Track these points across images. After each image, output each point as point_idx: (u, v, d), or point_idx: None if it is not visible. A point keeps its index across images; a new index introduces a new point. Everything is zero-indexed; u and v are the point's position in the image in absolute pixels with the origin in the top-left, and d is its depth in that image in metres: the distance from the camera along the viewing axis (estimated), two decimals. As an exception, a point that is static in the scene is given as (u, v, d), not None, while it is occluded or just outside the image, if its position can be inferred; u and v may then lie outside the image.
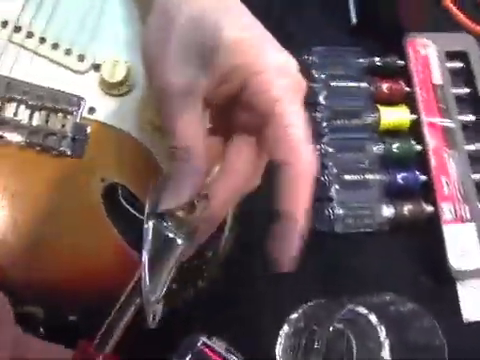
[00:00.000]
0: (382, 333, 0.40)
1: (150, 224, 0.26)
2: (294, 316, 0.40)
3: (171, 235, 0.26)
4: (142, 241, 0.25)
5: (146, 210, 0.26)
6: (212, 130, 0.29)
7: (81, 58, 0.36)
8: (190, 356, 0.39)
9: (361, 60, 0.44)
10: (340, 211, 0.40)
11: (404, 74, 0.44)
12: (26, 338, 0.31)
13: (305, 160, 0.25)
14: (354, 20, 0.45)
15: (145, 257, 0.25)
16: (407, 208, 0.40)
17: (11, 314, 0.30)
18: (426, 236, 0.42)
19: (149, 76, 0.27)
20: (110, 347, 0.25)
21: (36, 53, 0.37)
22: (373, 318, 0.40)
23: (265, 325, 0.40)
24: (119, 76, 0.35)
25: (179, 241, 0.26)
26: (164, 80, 0.25)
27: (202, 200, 0.27)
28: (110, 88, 0.36)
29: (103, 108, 0.36)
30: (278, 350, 0.39)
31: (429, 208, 0.41)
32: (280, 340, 0.39)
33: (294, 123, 0.25)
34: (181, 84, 0.25)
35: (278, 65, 0.25)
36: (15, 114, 0.36)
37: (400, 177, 0.41)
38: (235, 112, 0.27)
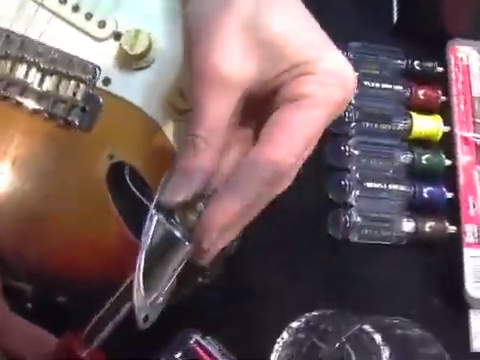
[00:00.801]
0: (385, 353, 0.38)
1: (156, 218, 0.23)
2: (295, 324, 0.37)
3: (178, 234, 0.23)
4: (141, 234, 0.23)
5: (154, 201, 0.24)
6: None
7: (102, 24, 0.34)
8: (180, 353, 0.37)
9: (398, 61, 0.41)
10: (357, 219, 0.37)
11: (442, 82, 0.41)
12: (10, 315, 0.29)
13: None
14: (395, 19, 0.42)
15: (142, 255, 0.22)
16: (429, 225, 0.38)
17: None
18: (444, 257, 0.39)
19: (191, 52, 0.25)
20: (97, 343, 0.23)
21: (55, 14, 0.34)
22: (378, 337, 0.37)
23: (264, 329, 0.38)
24: (140, 48, 0.32)
25: (186, 243, 0.23)
26: (210, 63, 0.24)
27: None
28: (129, 60, 0.33)
29: (119, 81, 0.34)
30: (273, 357, 0.37)
31: (452, 228, 0.38)
32: (277, 347, 0.37)
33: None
34: (227, 72, 0.23)
35: (333, 72, 0.24)
36: (26, 75, 0.33)
37: (426, 191, 0.38)
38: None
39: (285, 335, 0.38)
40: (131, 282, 0.23)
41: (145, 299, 0.23)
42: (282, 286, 0.38)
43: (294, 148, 0.24)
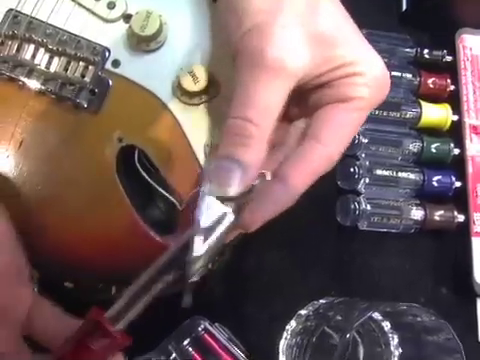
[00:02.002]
0: (393, 342, 0.38)
1: (206, 197, 0.23)
2: (304, 312, 0.37)
3: (223, 210, 0.23)
4: (194, 212, 0.23)
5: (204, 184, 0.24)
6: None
7: (111, 5, 0.33)
8: (188, 340, 0.37)
9: (407, 50, 0.41)
10: (367, 207, 0.37)
11: (451, 71, 0.41)
12: (40, 299, 0.28)
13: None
14: (405, 6, 0.42)
15: (198, 229, 0.22)
16: (438, 213, 0.38)
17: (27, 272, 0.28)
18: (453, 245, 0.39)
19: (238, 39, 0.24)
20: (124, 324, 0.22)
21: (64, -6, 0.34)
22: (386, 325, 0.37)
23: (272, 316, 0.38)
24: (151, 29, 0.32)
25: (231, 216, 0.24)
26: (266, 51, 0.23)
27: (260, 179, 0.25)
28: (139, 42, 0.33)
29: (129, 63, 0.33)
30: (282, 345, 0.37)
31: (460, 216, 0.38)
32: (286, 335, 0.37)
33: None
34: (284, 61, 0.24)
35: (379, 77, 0.25)
36: (33, 57, 0.33)
37: (435, 179, 0.38)
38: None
39: (294, 323, 0.38)
40: (171, 258, 0.23)
41: (193, 270, 0.23)
42: (290, 273, 0.38)
43: (342, 146, 0.25)
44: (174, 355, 0.35)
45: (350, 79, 0.25)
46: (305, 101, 0.27)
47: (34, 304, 0.27)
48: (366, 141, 0.37)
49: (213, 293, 0.37)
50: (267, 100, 0.24)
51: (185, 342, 0.36)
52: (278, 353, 0.37)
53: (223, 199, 0.23)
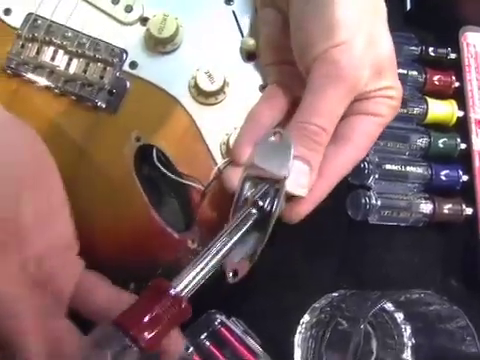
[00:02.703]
0: (406, 333, 0.39)
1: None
2: (317, 305, 0.38)
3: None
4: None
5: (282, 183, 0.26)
6: None
7: (129, 9, 0.34)
8: (205, 334, 0.38)
9: (413, 48, 0.42)
10: (377, 201, 0.38)
11: (455, 68, 0.42)
12: (88, 273, 0.29)
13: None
14: (409, 6, 0.43)
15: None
16: (447, 207, 0.39)
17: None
18: (461, 238, 0.40)
19: (326, 51, 0.27)
20: (187, 292, 0.23)
21: (82, -2, 0.35)
22: (399, 316, 0.38)
23: (285, 310, 0.38)
24: (168, 32, 0.33)
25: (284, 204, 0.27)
26: (350, 69, 0.27)
27: None
28: (156, 44, 0.34)
29: (146, 64, 0.34)
30: (297, 339, 0.38)
31: (468, 210, 0.39)
32: (300, 328, 0.38)
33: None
34: (356, 77, 0.27)
35: (399, 101, 0.30)
36: (52, 59, 0.34)
37: (443, 173, 0.39)
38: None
39: (308, 316, 0.38)
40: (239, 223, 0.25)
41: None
42: (302, 267, 0.39)
43: (365, 151, 0.30)
44: (191, 349, 0.36)
45: (385, 100, 0.30)
46: None
47: (83, 277, 0.28)
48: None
49: (227, 288, 0.37)
50: (339, 112, 0.27)
51: (202, 336, 0.37)
52: (293, 346, 0.38)
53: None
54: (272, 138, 0.27)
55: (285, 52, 0.30)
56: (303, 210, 0.28)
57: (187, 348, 0.36)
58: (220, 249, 0.24)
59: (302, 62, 0.28)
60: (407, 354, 0.37)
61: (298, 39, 0.28)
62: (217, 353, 0.36)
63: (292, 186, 0.26)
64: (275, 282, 0.39)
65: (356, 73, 0.27)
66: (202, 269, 0.23)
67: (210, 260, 0.23)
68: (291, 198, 0.27)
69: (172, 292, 0.21)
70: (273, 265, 0.39)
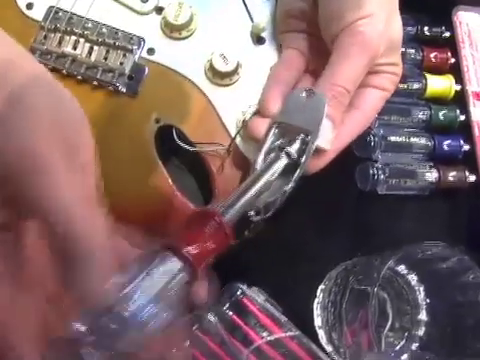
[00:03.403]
0: (420, 295, 0.40)
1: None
2: (334, 273, 0.40)
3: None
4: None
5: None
6: None
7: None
8: (228, 305, 0.40)
9: (409, 28, 0.44)
10: (385, 172, 0.40)
11: (450, 45, 0.45)
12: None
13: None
14: (403, -10, 0.46)
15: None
16: (451, 174, 0.41)
17: None
18: (467, 205, 0.42)
19: (355, 23, 0.30)
20: (231, 217, 0.24)
21: (99, -9, 0.37)
22: (412, 278, 0.40)
23: (301, 280, 0.40)
24: (183, 19, 0.35)
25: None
26: (374, 39, 0.30)
27: None
28: (172, 31, 0.36)
29: (162, 50, 0.37)
30: (316, 305, 0.39)
31: (472, 177, 0.41)
32: (318, 296, 0.40)
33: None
34: (378, 46, 0.31)
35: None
36: (74, 48, 0.36)
37: (445, 143, 0.41)
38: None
39: (325, 284, 0.40)
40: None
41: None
42: (316, 238, 0.41)
43: (371, 119, 0.34)
44: (214, 319, 0.37)
45: (390, 76, 0.34)
46: None
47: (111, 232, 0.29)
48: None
49: (247, 259, 0.39)
50: (361, 77, 0.31)
51: (224, 307, 0.38)
52: (312, 313, 0.39)
53: None
54: (303, 94, 0.30)
55: (304, 22, 0.33)
56: (320, 163, 0.31)
57: (210, 320, 0.38)
58: (255, 184, 0.26)
59: (329, 32, 0.31)
60: (423, 315, 0.39)
61: (327, 10, 0.31)
62: (240, 323, 0.38)
63: (319, 140, 0.28)
64: (290, 254, 0.41)
65: (377, 44, 0.30)
66: (242, 201, 0.25)
67: (248, 194, 0.26)
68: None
69: (217, 218, 0.23)
70: (288, 238, 0.41)
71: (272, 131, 0.30)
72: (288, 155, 0.28)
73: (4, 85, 0.21)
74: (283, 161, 0.28)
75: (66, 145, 0.21)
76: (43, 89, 0.22)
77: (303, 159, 0.28)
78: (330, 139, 0.30)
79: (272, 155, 0.29)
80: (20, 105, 0.21)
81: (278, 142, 0.29)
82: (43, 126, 0.21)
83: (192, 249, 0.21)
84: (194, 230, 0.22)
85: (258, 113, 0.34)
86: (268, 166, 0.28)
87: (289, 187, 0.28)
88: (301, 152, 0.28)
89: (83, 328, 0.19)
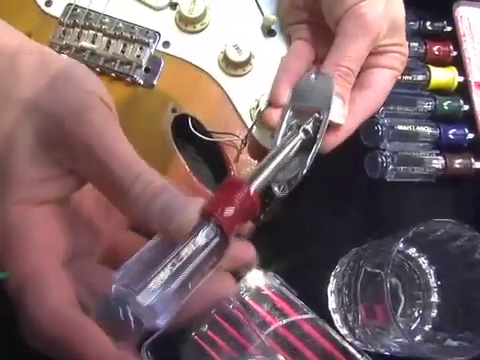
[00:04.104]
0: (432, 278, 0.41)
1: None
2: (346, 260, 0.41)
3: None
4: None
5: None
6: None
7: (159, -6, 0.38)
8: (245, 289, 0.40)
9: (411, 23, 0.46)
10: (393, 160, 0.41)
11: (452, 38, 0.46)
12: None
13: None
14: (405, -13, 0.47)
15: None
16: (457, 161, 0.42)
17: None
18: (473, 190, 0.43)
19: (355, 6, 0.32)
20: (258, 185, 0.25)
21: (115, -12, 0.39)
22: (423, 261, 0.41)
23: (315, 266, 0.41)
24: (197, 12, 0.37)
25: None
26: (375, 22, 0.32)
27: None
28: (187, 24, 0.38)
29: (177, 43, 0.38)
30: (330, 288, 0.40)
31: (477, 163, 0.43)
32: (332, 279, 0.40)
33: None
34: (379, 28, 0.32)
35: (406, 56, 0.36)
36: (93, 42, 0.37)
37: (451, 132, 0.42)
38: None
39: (338, 268, 0.41)
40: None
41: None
42: (328, 224, 0.42)
43: (382, 99, 0.35)
44: (232, 303, 0.38)
45: (397, 55, 0.35)
46: None
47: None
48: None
49: (261, 245, 0.40)
50: (363, 57, 0.32)
51: (241, 292, 0.39)
52: (326, 297, 0.40)
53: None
54: (312, 76, 0.31)
55: (312, 14, 0.34)
56: (335, 140, 0.32)
57: (229, 303, 0.39)
58: (276, 158, 0.27)
59: (332, 16, 0.33)
60: (434, 297, 0.39)
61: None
62: (257, 307, 0.39)
63: (332, 115, 0.30)
64: (303, 240, 0.42)
65: (378, 25, 0.32)
66: (265, 174, 0.26)
67: (269, 167, 0.27)
68: (327, 130, 0.31)
69: (246, 187, 0.24)
70: (301, 224, 0.42)
71: (287, 114, 0.32)
72: (305, 131, 0.29)
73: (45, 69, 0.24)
74: (300, 137, 0.29)
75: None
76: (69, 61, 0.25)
77: (319, 134, 0.29)
78: (342, 114, 0.31)
79: (289, 133, 0.30)
80: (66, 79, 0.24)
81: (293, 122, 0.31)
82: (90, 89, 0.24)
83: (223, 214, 0.22)
84: (224, 198, 0.23)
85: (270, 104, 0.36)
86: (286, 142, 0.29)
87: (309, 162, 0.29)
88: (316, 129, 0.29)
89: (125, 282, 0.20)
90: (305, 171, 0.29)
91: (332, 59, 0.32)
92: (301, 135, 0.29)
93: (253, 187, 0.25)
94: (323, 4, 0.33)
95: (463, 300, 0.37)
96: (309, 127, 0.29)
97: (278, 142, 0.30)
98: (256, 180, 0.26)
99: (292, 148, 0.28)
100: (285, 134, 0.30)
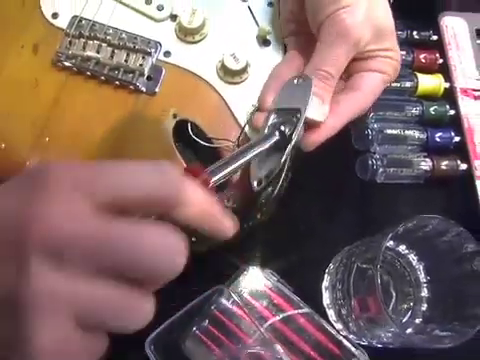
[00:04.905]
0: (421, 274, 0.43)
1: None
2: (339, 257, 0.42)
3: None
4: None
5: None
6: None
7: (160, 8, 0.40)
8: (243, 285, 0.42)
9: (399, 32, 0.48)
10: (383, 162, 0.43)
11: (438, 47, 0.49)
12: None
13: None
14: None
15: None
16: (444, 163, 0.44)
17: None
18: (460, 190, 0.45)
19: (328, 16, 0.34)
20: (218, 178, 0.28)
21: (119, 1, 0.41)
22: (413, 258, 0.43)
23: (309, 264, 0.43)
24: (196, 24, 0.39)
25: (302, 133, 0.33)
26: (354, 29, 0.33)
27: None
28: (186, 35, 0.40)
29: (178, 52, 0.40)
30: (324, 285, 0.42)
31: (463, 165, 0.45)
32: (326, 276, 0.42)
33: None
34: (359, 36, 0.34)
35: (398, 61, 0.38)
36: (98, 52, 0.39)
37: (437, 136, 0.45)
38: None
39: (332, 265, 0.43)
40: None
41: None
42: (322, 224, 0.44)
43: (370, 101, 0.36)
44: (231, 299, 0.39)
45: (386, 59, 0.36)
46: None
47: None
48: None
49: (258, 243, 0.42)
50: (343, 61, 0.34)
51: (239, 287, 0.41)
52: (321, 293, 0.42)
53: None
54: (295, 80, 0.34)
55: (300, 25, 0.36)
56: (317, 138, 0.34)
57: (228, 298, 0.40)
58: (245, 155, 0.30)
59: (314, 22, 0.35)
60: (424, 292, 0.41)
61: (311, 4, 0.35)
62: (255, 303, 0.40)
63: (310, 112, 0.32)
64: (298, 239, 0.44)
65: (358, 32, 0.33)
66: (231, 167, 0.29)
67: (237, 162, 0.29)
68: (308, 129, 0.34)
69: (204, 175, 0.27)
70: (296, 224, 0.44)
71: (271, 117, 0.34)
72: (281, 133, 0.32)
73: None
74: (274, 138, 0.32)
75: None
76: None
77: (294, 132, 0.31)
78: (321, 112, 0.33)
79: (266, 132, 0.32)
80: None
81: (274, 121, 0.33)
82: None
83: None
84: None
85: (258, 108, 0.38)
86: (261, 140, 0.31)
87: (284, 158, 0.31)
88: (293, 129, 0.32)
89: None
90: (279, 168, 0.31)
91: (312, 63, 0.34)
92: (276, 136, 0.31)
93: (214, 179, 0.27)
94: (308, 12, 0.36)
95: (452, 293, 0.39)
96: (287, 128, 0.32)
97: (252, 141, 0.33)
98: (218, 172, 0.28)
99: (263, 146, 0.31)
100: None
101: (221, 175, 0.28)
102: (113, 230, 0.21)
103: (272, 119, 0.34)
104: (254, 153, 0.30)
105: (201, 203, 0.24)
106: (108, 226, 0.21)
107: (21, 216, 0.21)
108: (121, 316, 0.21)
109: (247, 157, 0.30)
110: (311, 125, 0.33)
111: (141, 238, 0.21)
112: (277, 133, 0.32)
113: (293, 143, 0.31)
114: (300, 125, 0.31)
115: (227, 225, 0.26)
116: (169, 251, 0.21)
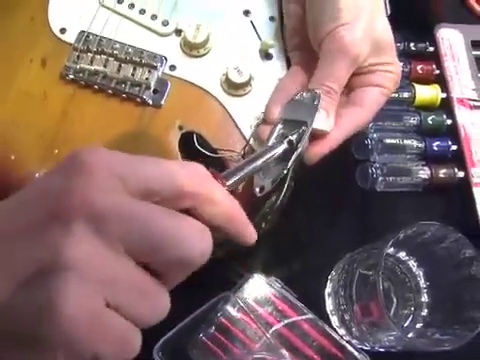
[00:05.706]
0: (421, 280, 0.44)
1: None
2: (341, 265, 0.43)
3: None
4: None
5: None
6: None
7: (165, 23, 0.42)
8: (247, 292, 0.43)
9: (397, 44, 0.50)
10: (382, 171, 0.45)
11: (435, 58, 0.50)
12: None
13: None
14: (389, 12, 0.51)
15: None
16: (442, 171, 0.45)
17: None
18: (458, 198, 0.46)
19: (327, 32, 0.35)
20: (233, 182, 0.28)
21: (125, 17, 0.42)
22: (413, 264, 0.44)
23: (311, 272, 0.44)
24: (202, 37, 0.40)
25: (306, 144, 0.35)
26: (353, 45, 0.35)
27: None
28: (191, 49, 0.41)
29: (183, 66, 0.41)
30: (327, 291, 0.43)
31: (460, 173, 0.46)
32: (329, 283, 0.43)
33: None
34: (358, 51, 0.35)
35: (399, 75, 0.39)
36: (105, 66, 0.40)
37: (435, 145, 0.46)
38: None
39: (334, 272, 0.44)
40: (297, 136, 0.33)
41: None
42: (323, 232, 0.45)
43: (372, 115, 0.38)
44: (237, 306, 0.40)
45: (386, 73, 0.38)
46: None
47: None
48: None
49: (262, 251, 0.43)
50: (344, 76, 0.35)
51: (244, 294, 0.42)
52: (324, 299, 0.43)
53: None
54: (302, 94, 0.35)
55: (304, 40, 0.38)
56: (321, 150, 0.35)
57: (234, 305, 0.41)
58: (257, 161, 0.31)
59: (315, 39, 0.36)
60: (424, 297, 0.42)
61: (312, 21, 0.36)
62: (260, 309, 0.41)
63: (316, 123, 0.33)
64: (301, 247, 0.45)
65: (357, 48, 0.35)
66: (245, 172, 0.30)
67: (249, 167, 0.30)
68: (312, 141, 0.35)
69: (220, 181, 0.27)
70: (298, 233, 0.45)
71: (278, 127, 0.36)
72: (289, 142, 0.33)
73: None
74: (283, 146, 0.33)
75: None
76: None
77: (300, 143, 0.33)
78: (327, 124, 0.35)
79: (275, 141, 0.34)
80: None
81: (281, 131, 0.35)
82: None
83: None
84: None
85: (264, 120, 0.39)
86: (271, 147, 0.33)
87: (287, 167, 0.33)
88: (300, 139, 0.33)
89: None
90: (283, 176, 0.32)
91: (315, 78, 0.35)
92: (285, 144, 0.33)
93: (228, 183, 0.28)
94: (309, 29, 0.37)
95: (451, 298, 0.40)
96: (294, 138, 0.33)
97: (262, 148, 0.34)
98: (232, 177, 0.29)
99: (272, 155, 0.32)
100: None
101: (235, 179, 0.29)
102: (152, 213, 0.22)
103: (278, 130, 0.35)
104: (265, 159, 0.32)
105: (228, 204, 0.25)
106: (146, 208, 0.22)
107: (64, 188, 0.22)
108: (141, 303, 0.22)
109: (259, 162, 0.31)
110: (316, 137, 0.35)
111: (179, 225, 0.22)
112: (285, 142, 0.33)
113: (299, 151, 0.33)
114: (307, 134, 0.32)
115: (251, 230, 0.27)
116: (202, 242, 0.23)
